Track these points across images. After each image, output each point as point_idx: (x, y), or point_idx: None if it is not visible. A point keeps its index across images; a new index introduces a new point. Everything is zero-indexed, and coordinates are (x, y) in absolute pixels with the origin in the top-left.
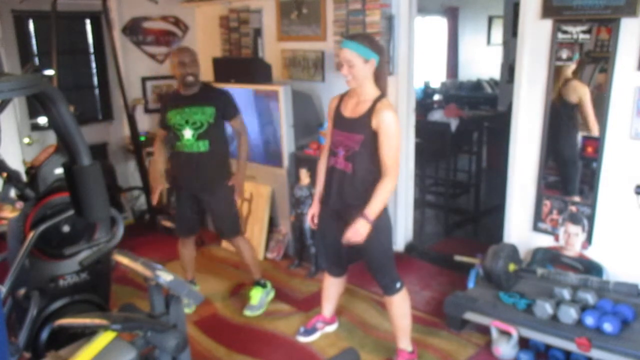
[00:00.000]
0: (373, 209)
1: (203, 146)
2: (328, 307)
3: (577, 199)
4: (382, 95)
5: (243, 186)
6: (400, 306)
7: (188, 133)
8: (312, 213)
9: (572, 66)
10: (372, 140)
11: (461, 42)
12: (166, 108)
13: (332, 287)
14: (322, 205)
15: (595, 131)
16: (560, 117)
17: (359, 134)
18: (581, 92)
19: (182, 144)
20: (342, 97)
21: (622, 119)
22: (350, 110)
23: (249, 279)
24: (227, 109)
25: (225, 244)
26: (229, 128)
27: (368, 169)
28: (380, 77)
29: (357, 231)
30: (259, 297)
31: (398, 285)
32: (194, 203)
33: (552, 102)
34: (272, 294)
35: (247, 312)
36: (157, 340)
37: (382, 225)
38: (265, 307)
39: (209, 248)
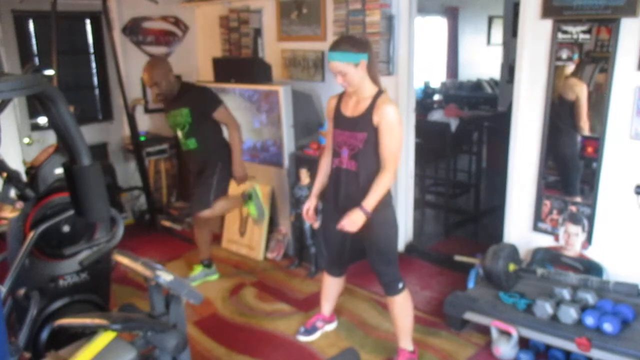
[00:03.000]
0: (370, 202)
1: (192, 144)
2: (327, 306)
3: (577, 199)
4: (381, 90)
5: (242, 173)
6: (403, 306)
7: (179, 133)
8: (307, 207)
9: (570, 65)
10: (376, 137)
11: (461, 42)
12: (166, 112)
13: (331, 287)
14: (326, 204)
15: (586, 130)
16: (560, 116)
17: (362, 132)
18: (578, 90)
19: (180, 143)
20: (340, 97)
21: (622, 119)
22: (352, 109)
23: (250, 279)
24: (201, 105)
25: (225, 244)
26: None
27: (373, 166)
28: (372, 71)
29: (353, 221)
30: (199, 271)
31: (400, 285)
32: None
33: (552, 102)
34: (215, 277)
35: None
36: (157, 340)
37: (388, 222)
38: (201, 281)
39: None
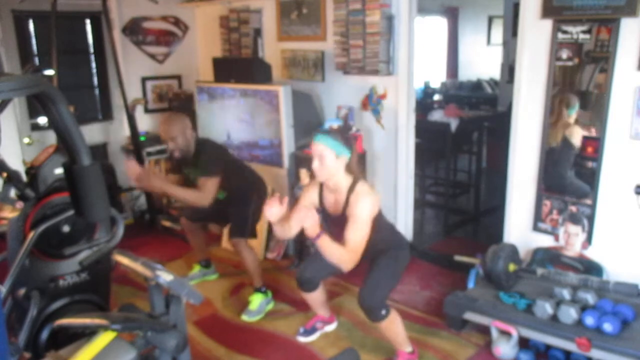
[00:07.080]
0: (323, 239)
1: (221, 195)
2: (321, 311)
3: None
4: (355, 180)
5: (152, 185)
6: (390, 328)
7: None
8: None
9: (573, 115)
10: None
11: (461, 42)
12: (182, 166)
13: (313, 299)
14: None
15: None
16: (562, 160)
17: None
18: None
19: None
20: (321, 188)
21: (622, 119)
22: (333, 207)
23: (250, 279)
24: (202, 170)
25: (225, 244)
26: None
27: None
28: (351, 168)
29: (305, 216)
30: (258, 303)
31: (384, 312)
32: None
33: (550, 147)
34: (272, 304)
35: (244, 317)
36: (157, 340)
37: (402, 258)
38: (263, 313)
39: (208, 249)
